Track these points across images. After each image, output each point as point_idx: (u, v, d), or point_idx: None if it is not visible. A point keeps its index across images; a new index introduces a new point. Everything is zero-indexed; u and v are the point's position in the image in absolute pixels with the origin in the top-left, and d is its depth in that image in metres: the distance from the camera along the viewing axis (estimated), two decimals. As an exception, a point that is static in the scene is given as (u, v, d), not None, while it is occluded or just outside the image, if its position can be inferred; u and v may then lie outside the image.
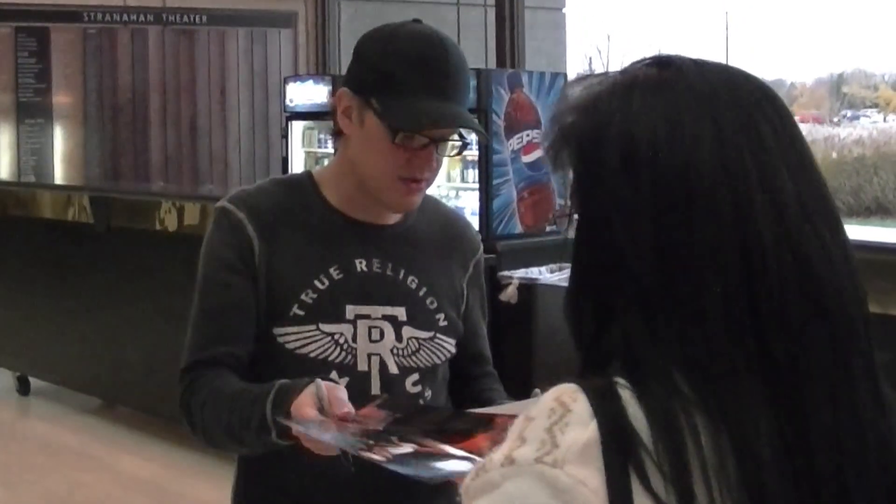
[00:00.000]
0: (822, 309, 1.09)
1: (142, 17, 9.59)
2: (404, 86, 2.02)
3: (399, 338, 2.13)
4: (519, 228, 7.79)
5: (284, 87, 9.63)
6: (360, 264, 2.13)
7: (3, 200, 8.40)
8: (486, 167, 7.73)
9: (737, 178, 1.09)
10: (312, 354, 2.08)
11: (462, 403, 2.23)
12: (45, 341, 7.88)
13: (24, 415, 8.11)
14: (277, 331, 2.09)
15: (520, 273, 7.18)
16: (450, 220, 2.32)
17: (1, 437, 7.81)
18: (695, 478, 1.03)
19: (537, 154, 7.90)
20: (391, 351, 2.12)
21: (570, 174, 1.17)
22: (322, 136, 9.49)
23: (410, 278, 2.16)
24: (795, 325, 1.08)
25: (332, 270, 2.11)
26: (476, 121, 2.07)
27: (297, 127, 9.56)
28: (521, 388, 7.45)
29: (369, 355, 2.11)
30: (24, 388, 8.24)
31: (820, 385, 1.08)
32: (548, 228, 7.94)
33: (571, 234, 1.20)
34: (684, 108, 1.12)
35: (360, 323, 2.11)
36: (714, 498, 1.03)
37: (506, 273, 7.16)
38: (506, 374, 7.99)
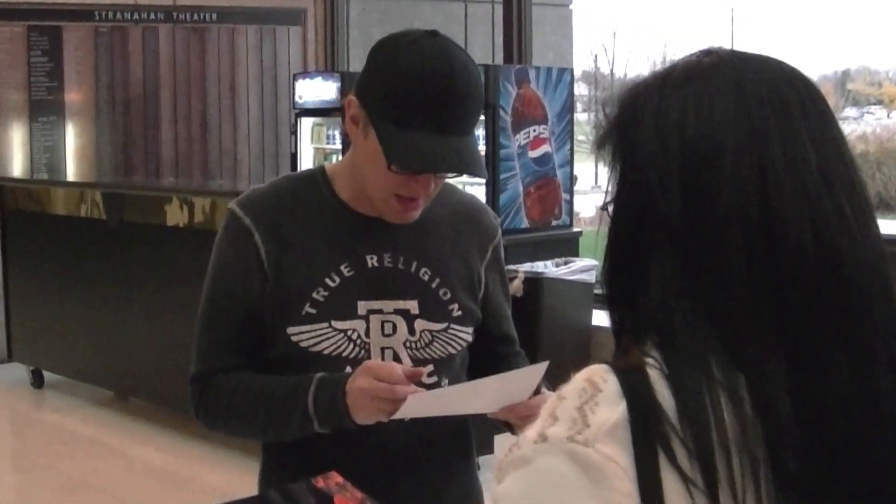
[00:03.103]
0: (838, 276, 1.12)
1: (152, 15, 9.65)
2: (405, 119, 1.99)
3: (412, 331, 2.15)
4: (525, 222, 7.85)
5: (294, 83, 9.69)
6: (372, 260, 2.14)
7: (16, 197, 8.48)
8: (493, 162, 7.78)
9: (760, 145, 1.12)
10: (326, 351, 2.10)
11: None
12: (58, 335, 7.97)
13: (39, 407, 8.18)
14: (291, 330, 2.11)
15: (525, 267, 7.24)
16: (466, 206, 2.29)
17: (16, 427, 7.91)
18: (717, 456, 1.06)
19: (544, 149, 7.97)
20: (404, 344, 2.14)
21: (612, 160, 1.22)
22: (330, 132, 9.56)
23: (423, 270, 2.17)
24: (813, 290, 1.11)
25: (342, 268, 2.13)
26: (475, 158, 2.05)
27: (307, 123, 9.63)
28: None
29: (382, 349, 2.13)
30: (37, 381, 8.32)
31: (838, 352, 1.11)
32: (553, 223, 8.01)
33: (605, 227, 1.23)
34: (715, 86, 1.16)
35: (372, 318, 2.13)
36: (734, 475, 1.06)
37: (512, 266, 7.22)
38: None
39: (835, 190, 1.13)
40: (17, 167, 9.27)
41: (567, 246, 7.83)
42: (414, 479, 2.16)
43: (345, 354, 2.12)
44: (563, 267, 7.32)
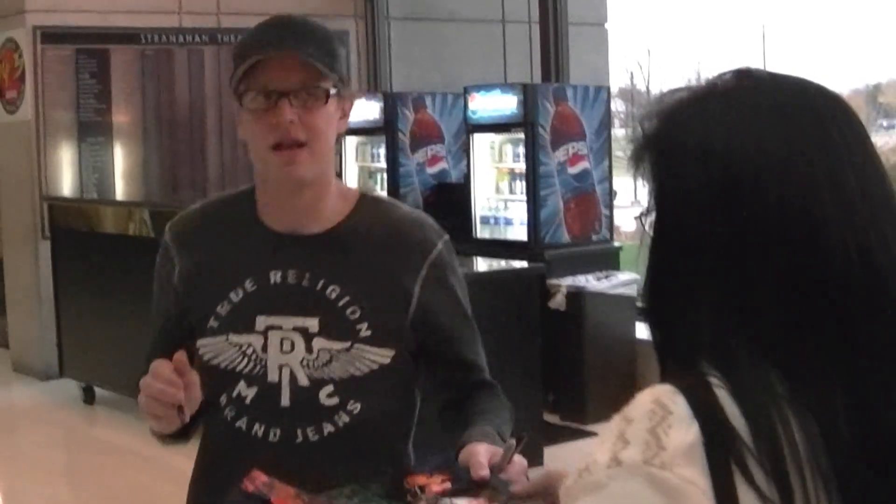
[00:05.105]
0: (884, 298, 1.13)
1: (197, 38, 9.79)
2: (241, 56, 2.03)
3: (309, 349, 2.08)
4: (566, 237, 7.96)
5: (336, 103, 9.86)
6: (275, 276, 2.11)
7: (67, 216, 8.66)
8: (533, 179, 7.91)
9: (804, 177, 1.14)
10: (222, 365, 2.10)
11: (452, 420, 2.16)
12: (108, 351, 8.08)
13: (90, 422, 8.34)
14: (199, 342, 2.13)
15: (567, 281, 7.35)
16: (398, 222, 2.19)
17: (67, 442, 8.06)
18: (791, 473, 1.07)
19: (582, 165, 8.09)
20: (301, 362, 2.08)
21: (650, 175, 1.23)
22: (375, 150, 9.70)
23: (331, 288, 2.10)
24: (860, 312, 1.12)
25: (247, 283, 2.12)
26: (308, 51, 2.02)
27: (351, 142, 9.79)
28: (573, 392, 7.79)
29: (280, 366, 2.09)
30: (88, 397, 8.46)
31: (889, 371, 1.12)
32: (594, 237, 8.11)
33: (649, 230, 1.24)
34: (756, 114, 1.17)
35: (271, 334, 2.09)
36: (808, 489, 1.07)
37: (554, 281, 7.33)
38: (558, 379, 8.22)
39: (876, 212, 1.15)
40: (67, 187, 9.44)
41: (608, 260, 7.94)
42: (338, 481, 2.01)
43: (239, 369, 2.10)
44: (604, 281, 7.42)
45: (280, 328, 2.09)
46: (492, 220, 8.49)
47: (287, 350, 2.08)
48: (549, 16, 8.76)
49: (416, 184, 9.53)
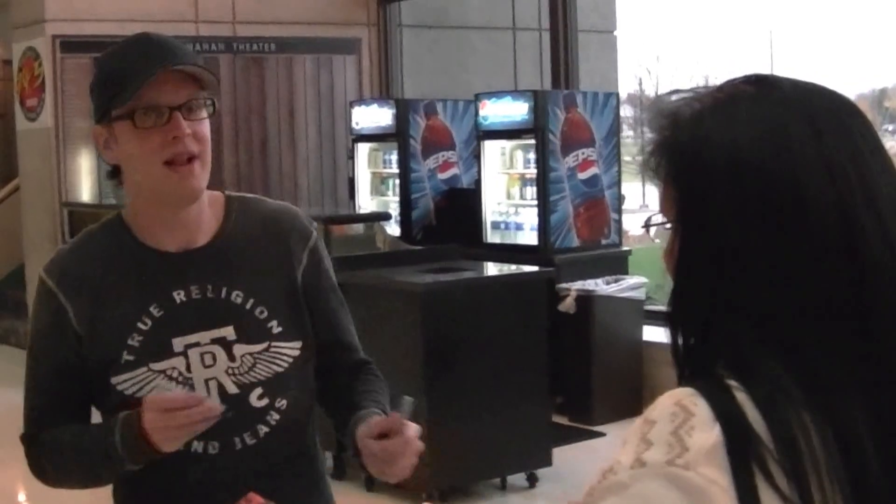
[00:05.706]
0: None
1: (213, 46, 9.91)
2: (123, 77, 1.98)
3: (231, 357, 2.10)
4: (576, 242, 8.09)
5: (350, 110, 9.98)
6: (179, 295, 2.10)
7: (85, 221, 8.75)
8: (544, 184, 8.04)
9: (840, 181, 1.14)
10: (151, 395, 2.05)
11: (334, 402, 2.25)
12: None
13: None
14: (114, 380, 2.08)
15: (577, 285, 7.46)
16: (272, 216, 2.22)
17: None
18: (809, 473, 1.08)
19: (592, 171, 8.22)
20: (226, 372, 2.10)
21: (665, 183, 1.22)
22: (387, 156, 9.84)
23: (235, 294, 2.12)
24: (884, 321, 1.13)
25: (152, 309, 2.09)
26: (191, 59, 2.04)
27: (363, 148, 9.91)
28: (581, 394, 7.94)
29: (206, 381, 2.09)
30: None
31: None
32: (603, 242, 8.24)
33: (658, 240, 1.25)
34: (786, 118, 1.16)
35: (191, 352, 2.09)
36: (826, 492, 1.08)
37: (564, 285, 7.44)
38: (567, 381, 8.30)
39: None
40: (86, 192, 9.59)
41: (617, 264, 8.06)
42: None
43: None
44: (613, 284, 7.52)
45: (198, 344, 2.09)
46: (502, 225, 8.64)
47: (210, 364, 2.09)
48: (559, 23, 8.89)
49: (427, 189, 9.67)
